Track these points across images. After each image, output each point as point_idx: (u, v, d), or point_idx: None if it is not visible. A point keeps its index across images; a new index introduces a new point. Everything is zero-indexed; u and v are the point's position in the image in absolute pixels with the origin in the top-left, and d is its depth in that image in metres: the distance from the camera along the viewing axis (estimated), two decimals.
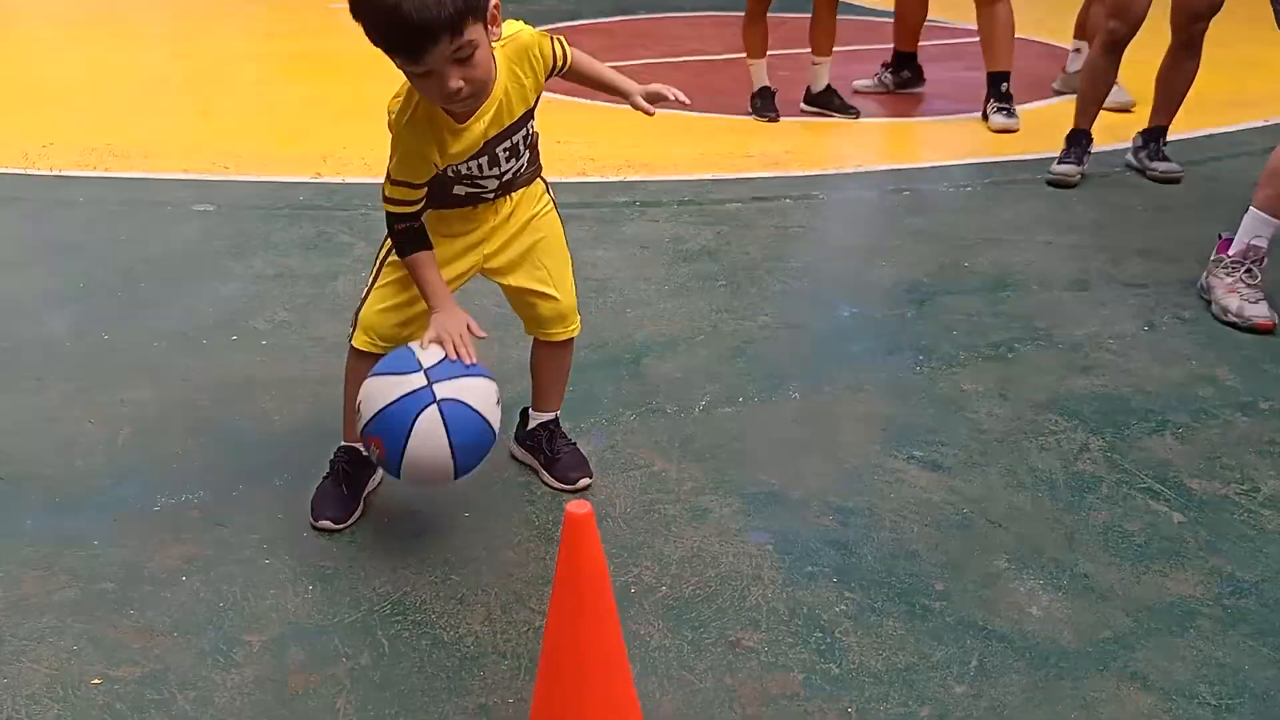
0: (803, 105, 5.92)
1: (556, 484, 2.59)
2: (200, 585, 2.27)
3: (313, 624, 2.17)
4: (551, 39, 2.27)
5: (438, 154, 2.18)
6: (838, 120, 5.82)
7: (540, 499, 2.57)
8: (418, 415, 2.13)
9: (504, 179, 2.32)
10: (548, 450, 2.63)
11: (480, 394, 2.21)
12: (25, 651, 2.09)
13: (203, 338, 3.32)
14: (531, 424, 2.66)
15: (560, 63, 2.28)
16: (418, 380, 2.15)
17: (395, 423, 2.13)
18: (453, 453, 2.16)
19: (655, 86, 2.36)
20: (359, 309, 2.42)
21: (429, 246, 2.28)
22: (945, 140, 5.72)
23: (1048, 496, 2.59)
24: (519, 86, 2.21)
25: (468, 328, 2.23)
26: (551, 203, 2.52)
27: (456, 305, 2.28)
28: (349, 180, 4.76)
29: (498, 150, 2.25)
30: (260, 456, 2.70)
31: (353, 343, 2.42)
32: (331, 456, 2.52)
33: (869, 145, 5.64)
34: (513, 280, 2.46)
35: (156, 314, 3.48)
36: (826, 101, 5.85)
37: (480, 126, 2.18)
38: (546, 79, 2.28)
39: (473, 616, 2.19)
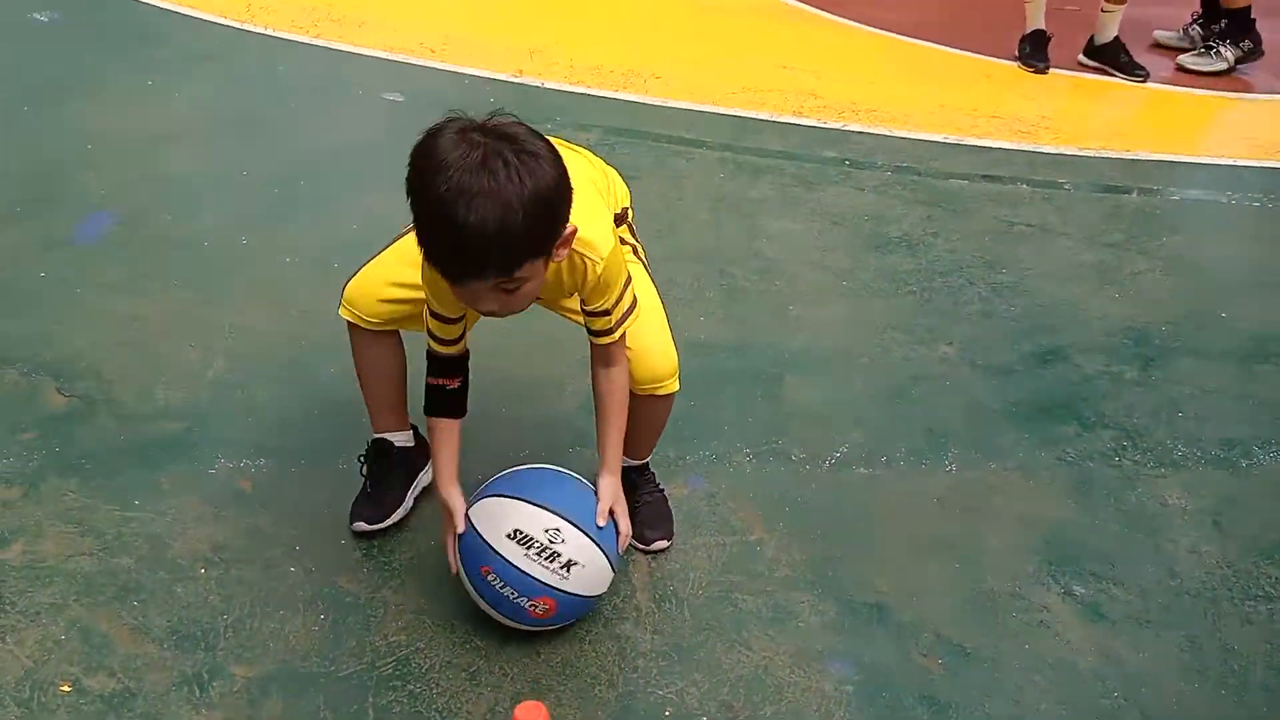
0: (1081, 58, 5.06)
1: (630, 541, 2.23)
2: (214, 585, 2.08)
3: (306, 669, 1.93)
4: (621, 301, 1.92)
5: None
6: (1120, 82, 4.95)
7: None
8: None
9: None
10: (630, 496, 2.27)
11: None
12: (14, 631, 1.95)
13: (335, 259, 3.07)
14: None
15: (600, 326, 1.94)
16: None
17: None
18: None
19: (613, 511, 2.02)
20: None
21: (458, 414, 2.00)
22: (1255, 128, 4.76)
23: (1233, 697, 2.02)
24: (556, 283, 1.87)
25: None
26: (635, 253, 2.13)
27: (454, 499, 1.98)
28: (547, 85, 4.41)
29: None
30: (339, 426, 2.44)
31: (340, 312, 2.11)
32: (361, 452, 2.26)
33: (1149, 122, 4.72)
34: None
35: (300, 222, 3.29)
36: (1111, 57, 4.98)
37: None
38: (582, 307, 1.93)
39: (475, 706, 1.89)
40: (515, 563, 1.88)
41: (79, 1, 4.88)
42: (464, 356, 1.99)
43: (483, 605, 1.95)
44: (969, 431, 2.65)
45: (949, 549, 2.31)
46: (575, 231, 1.72)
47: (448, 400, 1.98)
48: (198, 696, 1.87)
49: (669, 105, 4.34)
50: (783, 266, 3.28)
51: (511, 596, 1.89)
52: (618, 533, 2.01)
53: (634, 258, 2.11)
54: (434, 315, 1.90)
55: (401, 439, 2.25)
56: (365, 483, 2.24)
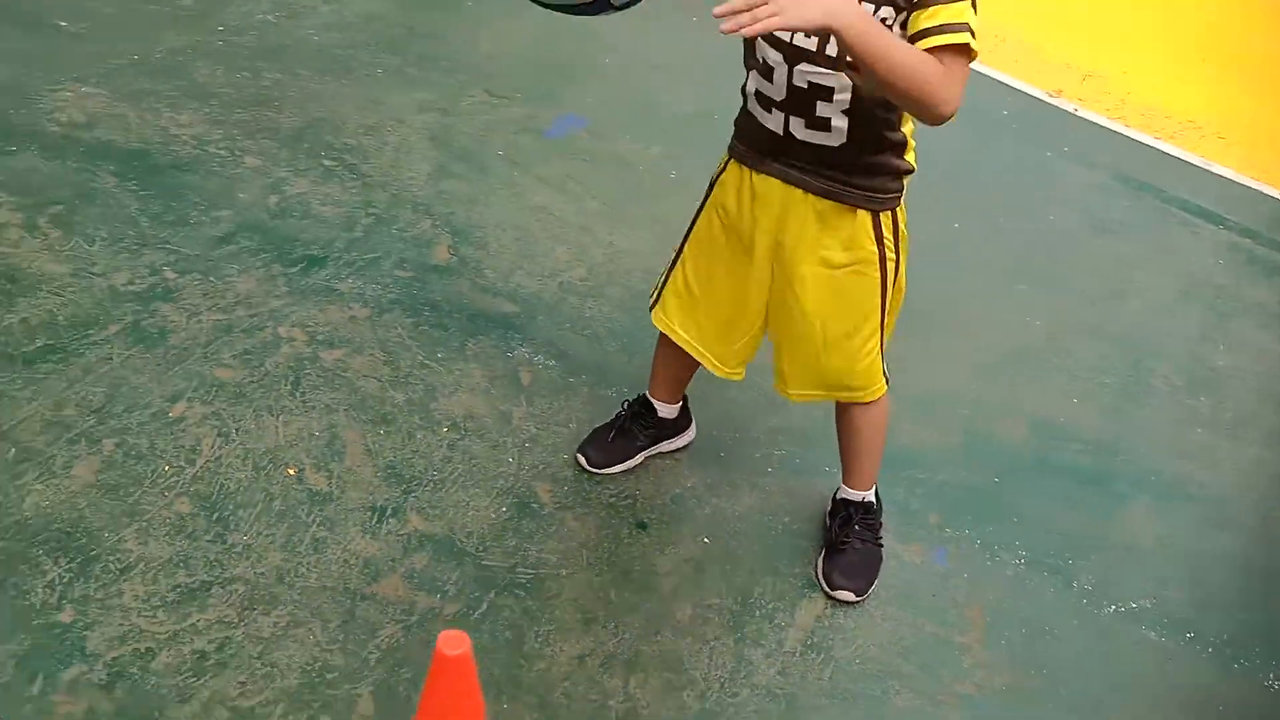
0: None
1: (818, 576, 2.10)
2: (444, 445, 2.28)
3: (462, 545, 2.08)
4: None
5: None
6: None
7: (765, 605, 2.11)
8: None
9: (797, 93, 1.69)
10: (833, 529, 2.12)
11: None
12: (288, 413, 2.29)
13: None
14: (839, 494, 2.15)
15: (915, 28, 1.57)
16: None
17: None
18: None
19: None
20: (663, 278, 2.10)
21: None
22: None
23: None
24: None
25: None
26: (881, 255, 1.86)
27: None
28: (1080, 113, 4.01)
29: None
30: (634, 367, 2.53)
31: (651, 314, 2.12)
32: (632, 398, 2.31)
33: None
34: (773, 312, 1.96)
35: None
36: None
37: None
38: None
39: (569, 645, 1.91)
40: None
41: None
42: None
43: None
44: None
45: None
46: None
47: None
48: (369, 524, 2.08)
49: (1208, 168, 3.80)
50: (1230, 382, 2.79)
51: None
52: None
53: (896, 251, 1.89)
54: None
55: (666, 411, 2.28)
56: (613, 426, 2.30)
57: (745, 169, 1.86)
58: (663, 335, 2.13)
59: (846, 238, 1.83)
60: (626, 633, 1.96)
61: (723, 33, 1.44)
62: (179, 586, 1.93)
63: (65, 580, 1.90)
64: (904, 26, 1.61)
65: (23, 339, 2.35)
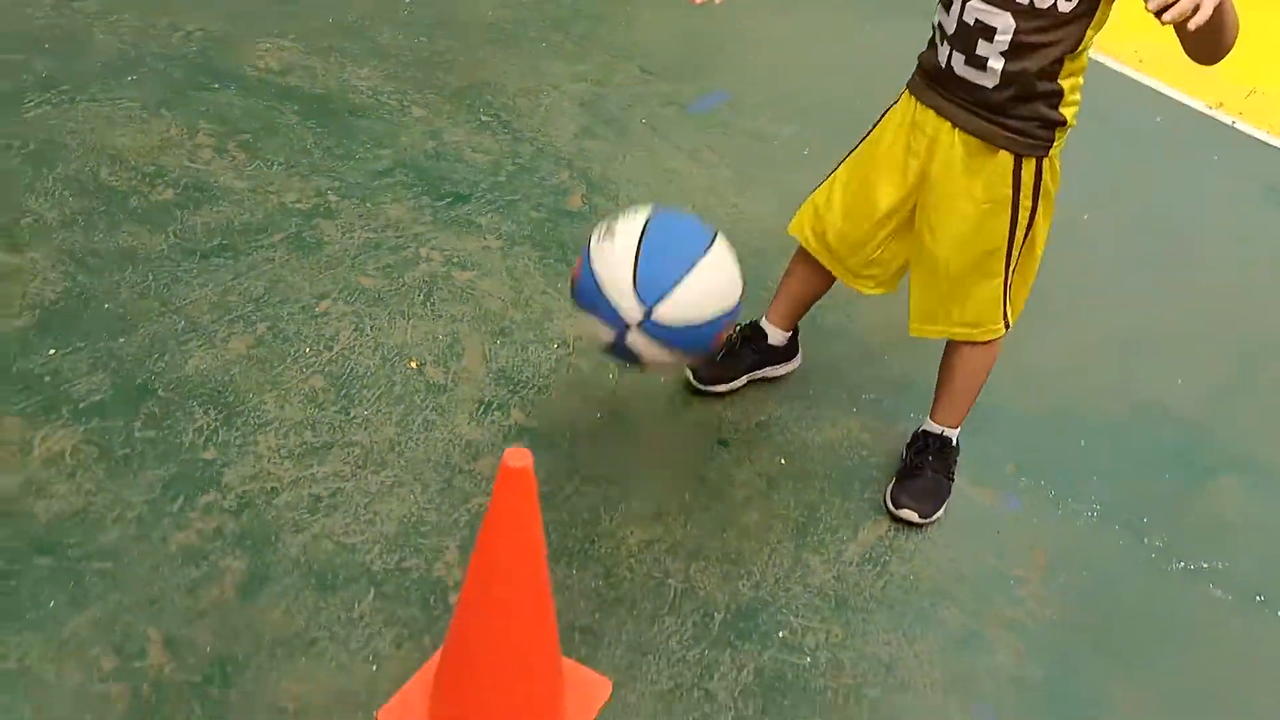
0: None
1: (886, 499, 2.20)
2: (554, 362, 2.48)
3: (548, 440, 2.26)
4: None
5: None
6: None
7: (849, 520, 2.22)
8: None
9: (964, 29, 1.79)
10: (908, 457, 2.22)
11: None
12: (420, 320, 2.54)
13: None
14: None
15: None
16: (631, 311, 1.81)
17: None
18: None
19: None
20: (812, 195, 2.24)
21: None
22: None
23: None
24: None
25: None
26: (1016, 204, 1.94)
27: None
28: (1238, 125, 3.94)
29: None
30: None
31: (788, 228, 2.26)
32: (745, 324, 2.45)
33: None
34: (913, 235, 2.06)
35: None
36: None
37: None
38: None
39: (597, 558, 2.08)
40: None
41: None
42: None
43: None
44: None
45: None
46: None
47: None
48: (475, 414, 2.30)
49: None
50: None
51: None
52: None
53: (1035, 200, 1.97)
54: None
55: (777, 337, 2.42)
56: (723, 349, 2.44)
57: (913, 99, 1.98)
58: (794, 256, 2.26)
59: (986, 176, 1.92)
60: (694, 528, 2.11)
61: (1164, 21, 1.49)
62: (305, 443, 2.18)
63: (211, 428, 2.18)
64: None
65: (202, 237, 2.67)
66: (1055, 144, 1.93)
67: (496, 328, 2.55)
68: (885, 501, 2.20)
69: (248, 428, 2.20)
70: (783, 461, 2.31)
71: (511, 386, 2.40)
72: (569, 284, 1.91)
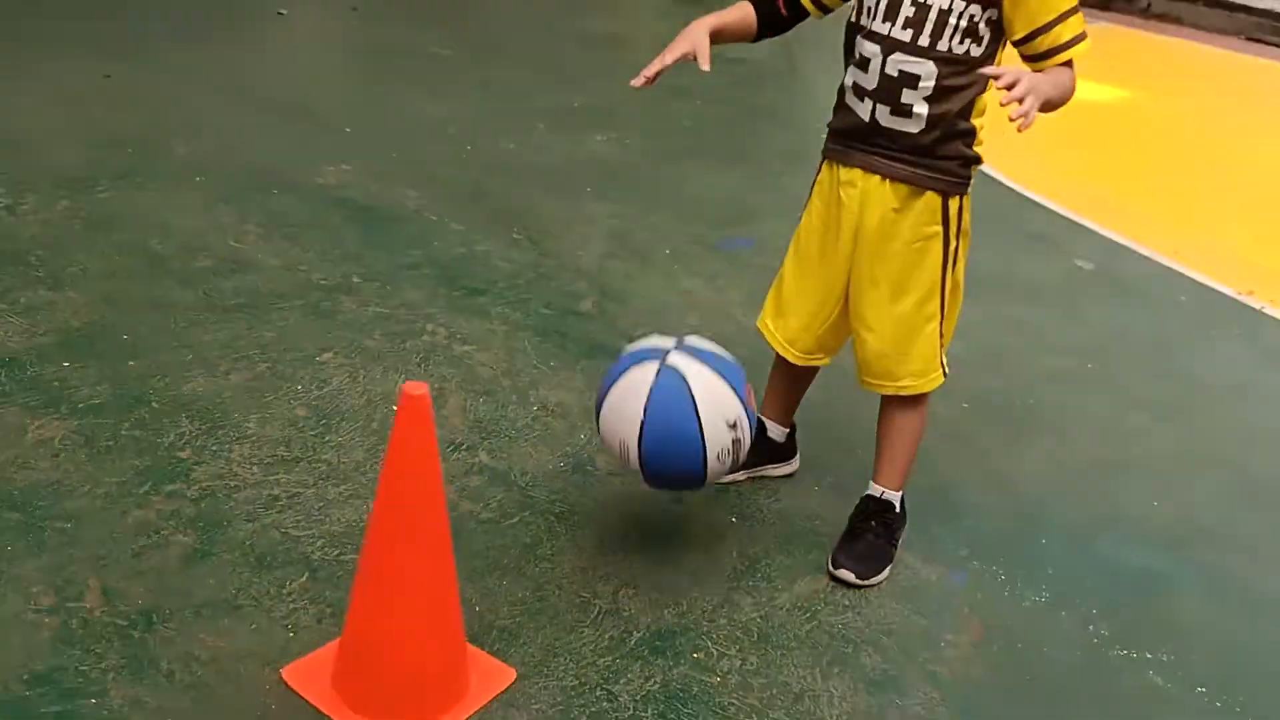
0: None
1: (827, 560, 2.22)
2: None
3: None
4: (1071, 13, 1.93)
5: None
6: None
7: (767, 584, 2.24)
8: (635, 364, 2.05)
9: (888, 81, 1.97)
10: (852, 521, 2.25)
11: (709, 388, 2.00)
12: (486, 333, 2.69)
13: None
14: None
15: (1042, 49, 1.94)
16: (667, 343, 2.08)
17: (617, 367, 2.08)
18: (642, 426, 1.98)
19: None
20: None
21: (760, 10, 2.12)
22: None
23: None
24: None
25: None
26: (945, 237, 2.08)
27: (704, 29, 2.03)
28: (1268, 312, 3.98)
29: None
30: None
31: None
32: None
33: None
34: (852, 293, 2.17)
35: None
36: None
37: None
38: None
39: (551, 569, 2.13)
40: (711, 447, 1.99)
41: None
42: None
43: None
44: None
45: None
46: None
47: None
48: (444, 452, 2.40)
49: None
50: None
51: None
52: None
53: (958, 236, 2.11)
54: None
55: (775, 431, 2.48)
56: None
57: (834, 166, 2.13)
58: (775, 357, 2.38)
59: (917, 216, 2.06)
60: (632, 563, 2.15)
61: (1012, 119, 1.76)
62: (276, 456, 2.31)
63: (193, 435, 2.33)
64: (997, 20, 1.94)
65: (227, 297, 2.91)
66: (971, 182, 2.08)
67: (482, 389, 2.69)
68: (827, 562, 2.21)
69: (226, 439, 2.34)
70: (733, 520, 2.35)
71: (484, 434, 2.51)
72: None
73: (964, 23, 1.92)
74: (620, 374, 2.05)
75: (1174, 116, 7.99)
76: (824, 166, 2.17)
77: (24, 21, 5.14)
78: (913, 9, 1.92)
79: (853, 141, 2.07)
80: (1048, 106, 1.88)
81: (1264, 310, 4.05)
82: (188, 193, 3.50)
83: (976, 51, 1.93)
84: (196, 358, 2.61)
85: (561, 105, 5.07)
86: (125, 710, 1.69)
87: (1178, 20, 12.52)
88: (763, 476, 2.48)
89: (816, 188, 2.20)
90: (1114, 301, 3.95)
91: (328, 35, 6.14)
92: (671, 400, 1.97)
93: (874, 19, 1.97)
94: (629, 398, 2.00)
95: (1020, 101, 1.75)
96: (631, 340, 2.20)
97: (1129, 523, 2.58)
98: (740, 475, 2.45)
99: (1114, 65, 10.06)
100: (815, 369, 2.39)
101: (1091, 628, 2.20)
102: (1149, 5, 12.76)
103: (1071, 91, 1.96)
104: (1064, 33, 1.93)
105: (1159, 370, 3.42)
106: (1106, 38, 11.29)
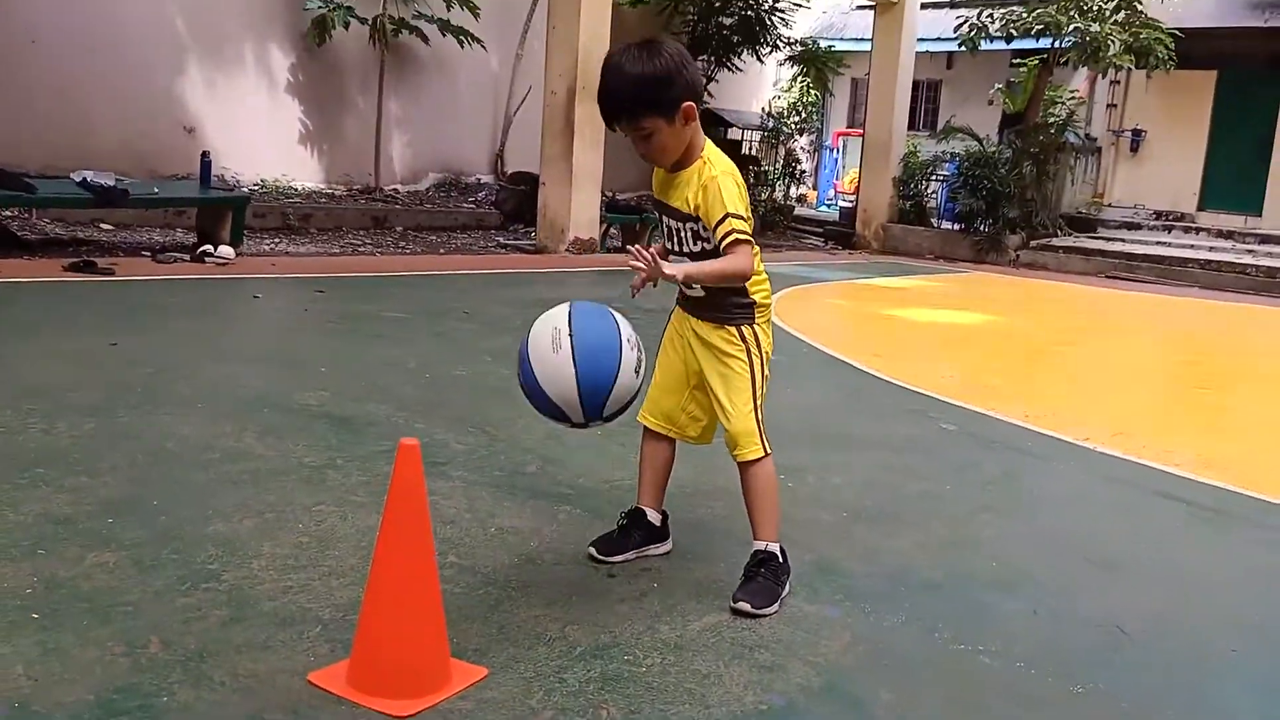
0: None
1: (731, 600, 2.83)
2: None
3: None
4: (730, 216, 2.74)
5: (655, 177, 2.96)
6: None
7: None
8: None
9: (682, 273, 2.79)
10: (746, 568, 2.89)
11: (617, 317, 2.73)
12: None
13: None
14: None
15: (717, 239, 2.77)
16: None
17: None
18: (570, 322, 2.67)
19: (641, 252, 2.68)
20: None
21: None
22: None
23: None
24: (690, 188, 2.81)
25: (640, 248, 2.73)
26: (746, 352, 2.90)
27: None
28: (1125, 457, 4.71)
29: (667, 219, 2.89)
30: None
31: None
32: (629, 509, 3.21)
33: None
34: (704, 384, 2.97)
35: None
36: None
37: (660, 175, 2.90)
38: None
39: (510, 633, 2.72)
40: None
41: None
42: None
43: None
44: None
45: None
46: (693, 109, 2.75)
47: None
48: None
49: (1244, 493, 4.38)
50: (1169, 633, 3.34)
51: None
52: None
53: (756, 351, 2.91)
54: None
55: (653, 516, 3.17)
56: (617, 528, 3.19)
57: (677, 307, 3.02)
58: (642, 439, 3.10)
59: (721, 340, 2.90)
60: (574, 612, 2.74)
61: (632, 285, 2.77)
62: (287, 564, 2.90)
63: (218, 555, 2.93)
64: (705, 230, 2.83)
65: (235, 475, 3.56)
66: (757, 314, 2.92)
67: (448, 520, 3.32)
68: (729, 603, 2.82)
69: (246, 556, 2.94)
70: (655, 585, 2.96)
71: (450, 545, 3.12)
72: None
73: (689, 235, 2.86)
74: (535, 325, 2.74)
75: (1029, 329, 9.12)
76: (675, 310, 3.06)
77: (36, 313, 5.96)
78: (670, 235, 2.91)
79: (681, 301, 3.02)
80: (711, 279, 2.79)
81: (1098, 449, 4.83)
82: (193, 415, 4.20)
83: (708, 247, 2.84)
84: (215, 513, 3.23)
85: (505, 347, 5.90)
86: (190, 703, 2.23)
87: (1044, 267, 14.07)
88: (645, 556, 3.12)
89: (670, 325, 3.08)
90: (972, 448, 4.72)
91: (298, 311, 7.02)
92: (593, 310, 2.72)
93: (666, 233, 2.95)
94: (551, 320, 2.70)
95: (645, 271, 2.66)
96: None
97: (974, 577, 3.22)
98: (630, 555, 3.10)
99: (981, 298, 11.35)
100: (672, 456, 3.13)
101: (936, 635, 2.80)
102: (1018, 256, 14.34)
103: (734, 266, 2.75)
104: (720, 230, 2.76)
105: (1006, 488, 4.14)
106: (978, 281, 12.71)
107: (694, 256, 2.87)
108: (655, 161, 2.86)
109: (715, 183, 2.76)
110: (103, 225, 9.79)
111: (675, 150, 2.81)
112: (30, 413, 4.00)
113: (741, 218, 2.77)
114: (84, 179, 8.14)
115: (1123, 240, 15.77)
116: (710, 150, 2.84)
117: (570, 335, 2.65)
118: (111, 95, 11.24)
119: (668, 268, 2.68)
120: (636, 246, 2.71)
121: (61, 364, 4.82)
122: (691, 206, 2.80)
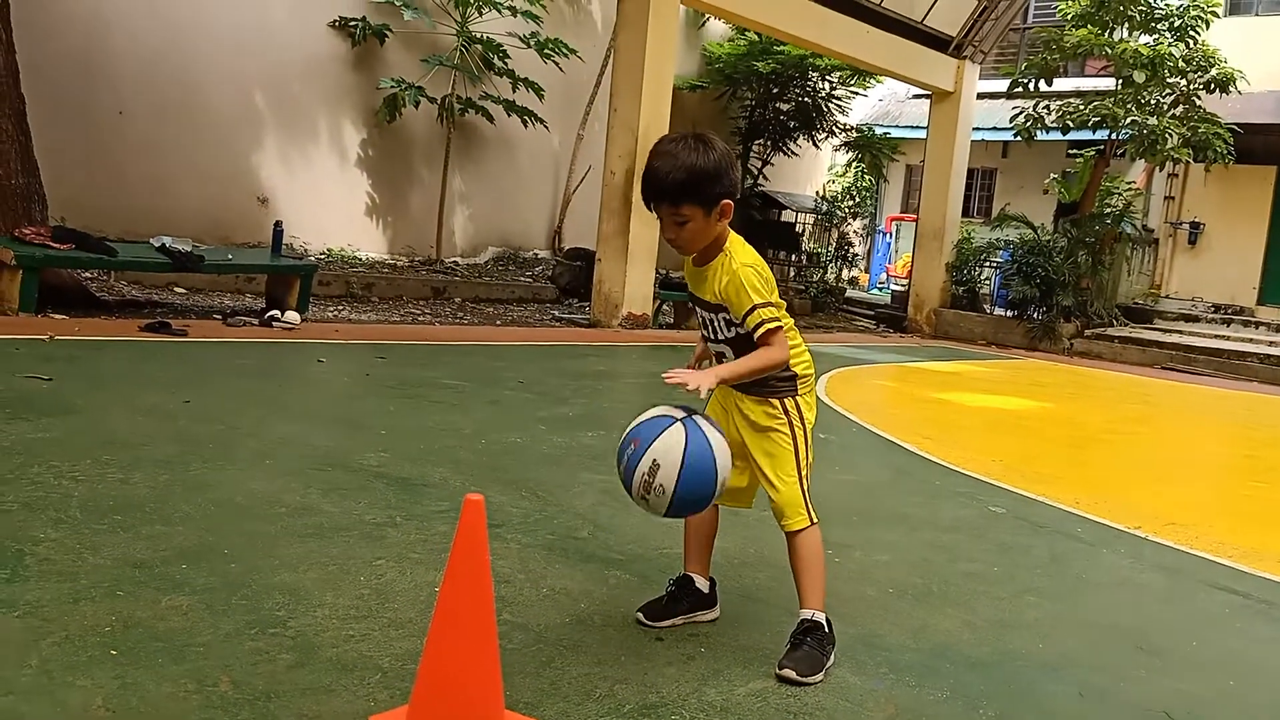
0: None
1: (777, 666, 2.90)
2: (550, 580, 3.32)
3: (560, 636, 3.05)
4: (758, 306, 2.86)
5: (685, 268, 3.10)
6: None
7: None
8: (668, 427, 2.79)
9: (721, 357, 2.98)
10: (792, 636, 2.94)
11: (719, 443, 2.79)
12: None
13: None
14: None
15: (748, 329, 2.90)
16: (677, 412, 2.86)
17: (646, 428, 2.82)
18: (682, 463, 2.72)
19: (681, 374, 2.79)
20: None
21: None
22: None
23: None
24: (717, 281, 2.93)
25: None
26: (789, 425, 2.99)
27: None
28: (1174, 545, 4.72)
29: (700, 309, 3.01)
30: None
31: None
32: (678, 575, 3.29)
33: None
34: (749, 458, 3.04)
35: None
36: None
37: (689, 267, 3.03)
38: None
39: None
40: None
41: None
42: None
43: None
44: None
45: None
46: (730, 207, 2.87)
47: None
48: None
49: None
50: None
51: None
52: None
53: (799, 423, 3.01)
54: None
55: (701, 583, 3.26)
56: (665, 594, 3.28)
57: (722, 387, 3.09)
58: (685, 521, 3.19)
59: (765, 410, 3.01)
60: (623, 671, 2.82)
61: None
62: (349, 614, 3.02)
63: (284, 603, 3.05)
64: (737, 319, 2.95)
65: (300, 529, 3.69)
66: (799, 386, 3.02)
67: (502, 579, 3.42)
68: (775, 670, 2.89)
69: (310, 606, 3.06)
70: (703, 650, 3.03)
71: (505, 604, 3.22)
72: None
73: (722, 323, 2.98)
74: (653, 438, 2.78)
75: (1082, 415, 9.07)
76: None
77: (122, 369, 6.20)
78: (705, 325, 3.04)
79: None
80: (749, 375, 2.90)
81: (1149, 538, 4.84)
82: (260, 470, 4.36)
83: (742, 332, 2.95)
84: (281, 564, 3.36)
85: (558, 415, 6.07)
86: None
87: (1099, 356, 14.02)
88: (693, 621, 3.19)
89: (713, 400, 3.14)
90: (1020, 531, 4.75)
91: (360, 375, 7.23)
92: (699, 448, 2.76)
93: (702, 325, 3.09)
94: (671, 450, 2.74)
95: (686, 382, 2.73)
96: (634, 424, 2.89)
97: (1019, 656, 3.25)
98: (678, 620, 3.18)
99: (1033, 384, 11.31)
100: (716, 522, 3.23)
101: (980, 711, 2.84)
102: (1072, 344, 14.31)
103: (768, 359, 2.88)
104: (750, 320, 2.89)
105: (1054, 572, 4.16)
106: (1031, 368, 12.68)
107: (729, 342, 3.00)
108: (681, 248, 2.98)
109: (738, 276, 2.90)
110: (177, 289, 10.15)
111: (703, 241, 2.94)
112: (108, 464, 4.19)
113: (770, 305, 2.90)
114: (163, 244, 8.48)
115: (1180, 332, 15.72)
116: (733, 242, 2.97)
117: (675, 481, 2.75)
118: (190, 165, 11.71)
119: (705, 379, 2.76)
120: (673, 369, 2.80)
121: (138, 419, 5.03)
122: (720, 298, 2.94)
